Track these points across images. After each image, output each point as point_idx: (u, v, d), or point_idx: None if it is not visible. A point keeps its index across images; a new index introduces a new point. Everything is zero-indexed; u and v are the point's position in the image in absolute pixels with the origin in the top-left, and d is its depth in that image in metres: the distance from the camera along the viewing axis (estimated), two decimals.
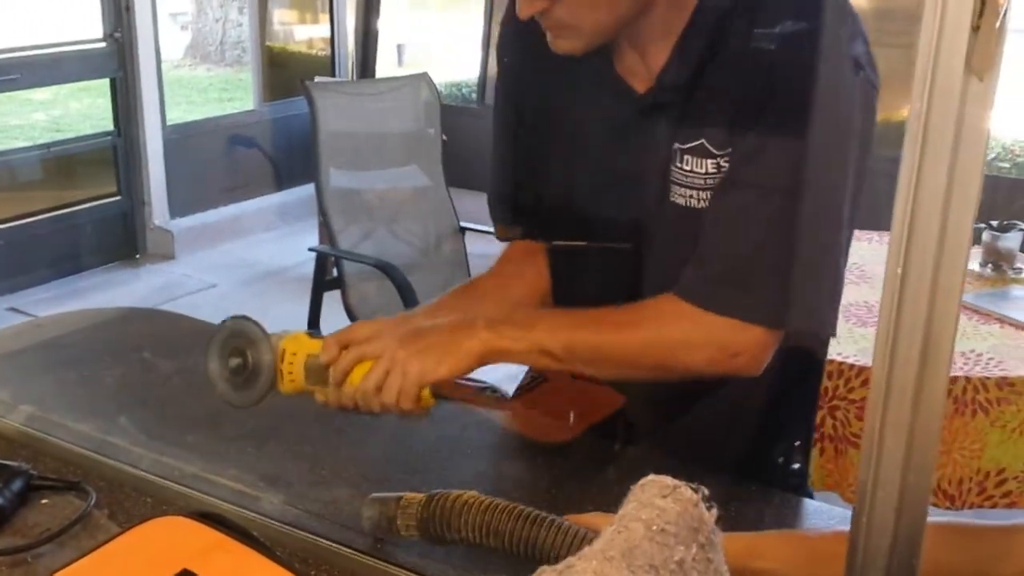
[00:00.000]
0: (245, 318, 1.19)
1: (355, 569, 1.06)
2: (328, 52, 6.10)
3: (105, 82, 5.09)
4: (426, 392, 1.13)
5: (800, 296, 1.09)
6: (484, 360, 1.13)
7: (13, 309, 4.39)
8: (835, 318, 1.13)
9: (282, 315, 3.61)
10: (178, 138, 5.35)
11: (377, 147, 3.58)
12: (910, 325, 0.72)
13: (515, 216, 1.37)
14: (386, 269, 3.20)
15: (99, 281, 4.94)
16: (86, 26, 5.00)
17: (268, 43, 6.01)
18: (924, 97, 0.69)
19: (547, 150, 1.29)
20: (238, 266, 5.15)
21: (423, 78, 3.64)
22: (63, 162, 5.09)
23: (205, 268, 5.12)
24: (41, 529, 1.11)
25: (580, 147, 1.25)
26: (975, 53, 0.67)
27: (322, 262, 3.46)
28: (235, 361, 1.18)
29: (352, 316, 3.38)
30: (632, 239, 1.22)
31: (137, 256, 5.26)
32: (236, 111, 5.79)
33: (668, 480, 0.71)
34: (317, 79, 3.61)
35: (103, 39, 5.00)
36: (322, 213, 3.44)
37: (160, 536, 0.92)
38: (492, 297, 1.34)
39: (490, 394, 1.25)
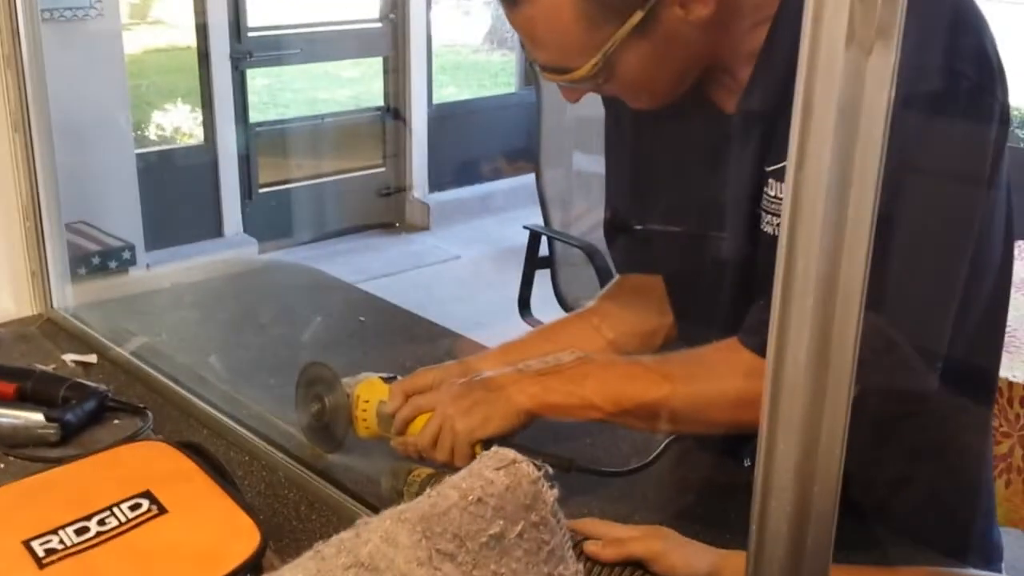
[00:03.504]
0: (322, 364, 1.20)
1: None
2: None
3: None
4: (479, 449, 1.08)
5: (881, 345, 0.88)
6: (533, 416, 1.08)
7: None
8: (933, 370, 0.96)
9: (509, 289, 3.71)
10: (441, 116, 5.60)
11: (602, 130, 3.57)
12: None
13: (628, 248, 1.29)
14: (589, 252, 3.20)
15: (357, 246, 5.26)
16: (363, 7, 5.33)
17: None
18: (803, 76, 0.63)
19: (647, 181, 1.21)
20: (484, 241, 5.33)
21: None
22: (337, 133, 5.46)
23: (454, 241, 5.34)
24: (102, 446, 1.22)
25: (676, 176, 1.17)
26: (858, 23, 0.60)
27: (535, 241, 3.51)
28: (314, 407, 1.20)
29: (559, 296, 3.42)
30: (726, 271, 1.12)
31: (396, 225, 5.56)
32: (498, 93, 5.97)
33: (509, 453, 0.68)
34: None
35: (379, 20, 5.31)
36: (541, 194, 3.50)
37: (139, 457, 0.99)
38: (583, 337, 1.25)
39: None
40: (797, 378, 0.66)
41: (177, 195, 4.67)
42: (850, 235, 0.64)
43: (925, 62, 0.87)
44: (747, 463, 1.12)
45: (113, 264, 3.81)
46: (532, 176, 3.66)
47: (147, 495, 0.93)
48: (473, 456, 1.09)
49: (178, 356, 1.46)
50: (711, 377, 1.03)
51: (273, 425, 1.28)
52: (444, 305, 4.28)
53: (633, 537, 0.88)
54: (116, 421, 1.28)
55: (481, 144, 5.83)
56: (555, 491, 0.68)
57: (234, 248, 4.82)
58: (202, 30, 4.69)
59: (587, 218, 3.46)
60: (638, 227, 1.23)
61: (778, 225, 1.02)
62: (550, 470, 0.68)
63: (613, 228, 1.29)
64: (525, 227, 3.55)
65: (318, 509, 1.11)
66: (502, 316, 3.52)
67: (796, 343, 0.65)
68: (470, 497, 0.65)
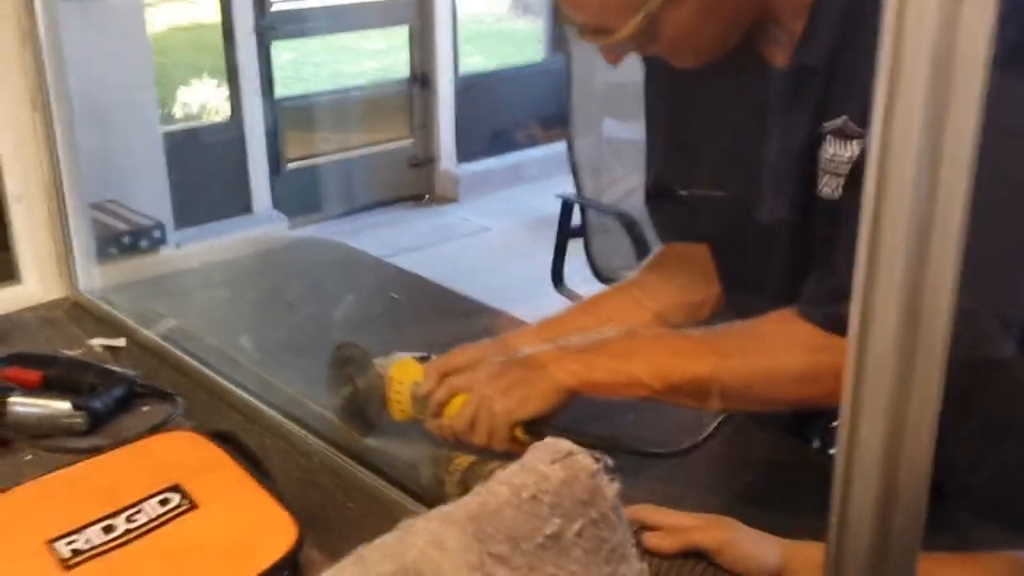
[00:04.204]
0: (353, 345, 1.16)
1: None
2: None
3: None
4: (518, 431, 1.03)
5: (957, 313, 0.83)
6: (575, 395, 1.03)
7: None
8: (1010, 337, 0.90)
9: (542, 261, 3.67)
10: (469, 87, 5.52)
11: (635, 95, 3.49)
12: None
13: (671, 216, 1.24)
14: (624, 220, 3.13)
15: (386, 219, 5.21)
16: None
17: None
18: (891, 21, 0.55)
19: (690, 143, 1.16)
20: (515, 212, 5.26)
21: None
22: (364, 106, 5.40)
23: (484, 212, 5.27)
24: (131, 434, 1.17)
25: (723, 137, 1.12)
26: None
27: (567, 210, 3.45)
28: (347, 390, 1.15)
29: (593, 266, 3.36)
30: (779, 237, 1.07)
31: (426, 198, 5.50)
32: (526, 61, 5.88)
33: (564, 444, 0.63)
34: None
35: None
36: (572, 162, 3.42)
37: (168, 448, 0.94)
38: (626, 310, 1.20)
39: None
40: (884, 356, 0.60)
41: (205, 172, 4.63)
42: (943, 200, 0.57)
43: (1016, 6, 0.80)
44: (815, 443, 1.06)
45: (144, 243, 3.78)
46: (563, 145, 3.63)
47: (177, 489, 0.88)
48: (513, 439, 1.04)
49: (209, 338, 1.41)
50: (767, 351, 0.97)
51: (308, 409, 1.23)
52: (476, 277, 4.23)
53: (696, 526, 0.83)
54: (145, 408, 1.24)
55: (510, 113, 5.75)
56: (615, 484, 0.62)
57: (264, 225, 4.79)
58: (225, 4, 4.63)
59: (620, 185, 3.39)
60: (682, 193, 1.17)
61: (836, 187, 0.96)
62: (610, 462, 0.62)
63: (655, 195, 1.23)
64: (557, 196, 3.49)
65: (356, 497, 1.06)
66: (535, 288, 3.46)
67: (883, 318, 0.59)
68: (523, 494, 0.60)
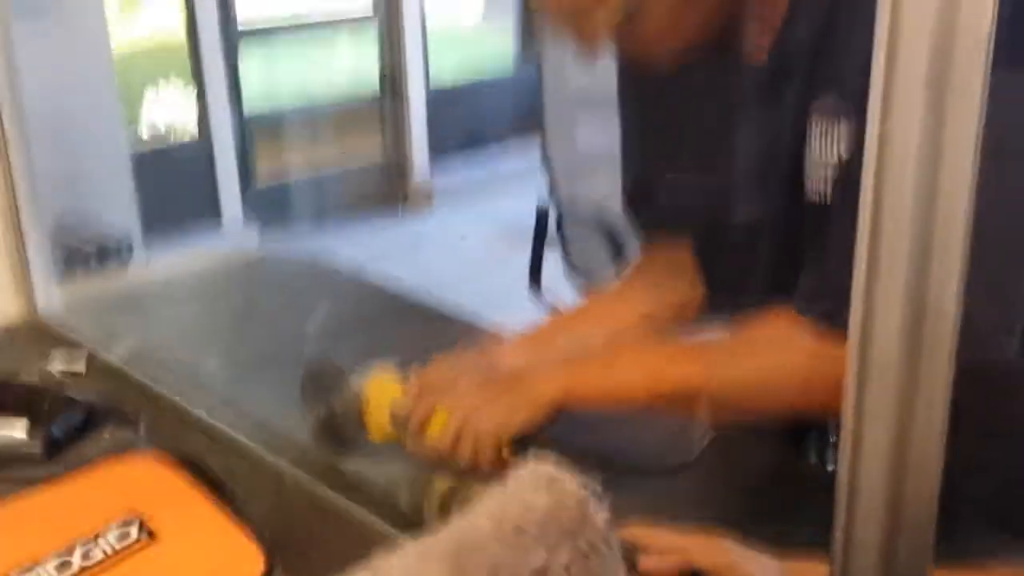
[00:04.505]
0: (328, 361, 1.12)
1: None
2: None
3: None
4: (505, 451, 1.00)
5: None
6: (563, 408, 0.99)
7: None
8: (1009, 341, 0.87)
9: (518, 268, 3.63)
10: (441, 97, 5.50)
11: (608, 102, 3.46)
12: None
13: (651, 219, 1.21)
14: (599, 227, 3.10)
15: (359, 230, 5.16)
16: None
17: None
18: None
19: (671, 143, 1.13)
20: (491, 220, 5.23)
21: None
22: (335, 118, 5.35)
23: (460, 221, 5.25)
24: (90, 461, 1.11)
25: (703, 136, 1.08)
26: None
27: (543, 218, 3.41)
28: (321, 411, 1.10)
29: (569, 273, 3.32)
30: (764, 236, 1.03)
31: (399, 208, 5.46)
32: (498, 71, 5.87)
33: (549, 469, 0.58)
34: None
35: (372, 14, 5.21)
36: (547, 170, 3.39)
37: (127, 476, 0.90)
38: (611, 317, 1.17)
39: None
40: (888, 362, 0.56)
41: (174, 193, 4.57)
42: (946, 191, 0.53)
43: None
44: (813, 459, 1.01)
45: (111, 262, 3.71)
46: (536, 153, 3.62)
47: (136, 520, 0.83)
48: (499, 456, 0.99)
49: (174, 359, 1.35)
50: (764, 354, 0.93)
51: (276, 430, 1.17)
52: (452, 288, 4.18)
53: (693, 547, 0.78)
54: (106, 433, 1.18)
55: (485, 121, 5.73)
56: (605, 512, 0.57)
57: (235, 239, 4.73)
58: (191, 21, 4.58)
59: (595, 192, 3.35)
60: (661, 195, 1.13)
61: (826, 187, 0.93)
62: (598, 487, 0.57)
63: (634, 199, 1.19)
64: (534, 206, 3.45)
65: (330, 521, 1.00)
66: (513, 297, 3.41)
67: (884, 321, 0.55)
68: (506, 525, 0.55)
